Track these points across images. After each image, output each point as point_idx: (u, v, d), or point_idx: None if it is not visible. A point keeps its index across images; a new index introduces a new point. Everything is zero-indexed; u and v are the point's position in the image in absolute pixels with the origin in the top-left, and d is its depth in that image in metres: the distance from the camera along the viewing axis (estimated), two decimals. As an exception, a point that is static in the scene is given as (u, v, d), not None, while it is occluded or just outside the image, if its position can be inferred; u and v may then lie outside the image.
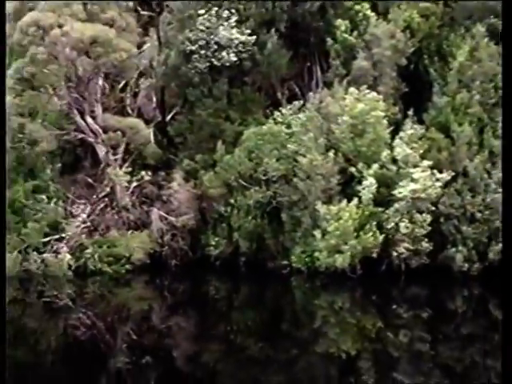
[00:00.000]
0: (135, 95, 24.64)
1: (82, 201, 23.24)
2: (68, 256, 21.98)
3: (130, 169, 22.80)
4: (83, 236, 22.51)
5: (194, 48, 22.50)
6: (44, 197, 22.18)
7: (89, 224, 22.87)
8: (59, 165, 23.14)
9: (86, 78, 20.90)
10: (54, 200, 22.28)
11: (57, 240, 22.41)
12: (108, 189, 23.29)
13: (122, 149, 22.96)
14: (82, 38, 19.53)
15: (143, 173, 22.74)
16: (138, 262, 22.49)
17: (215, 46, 22.41)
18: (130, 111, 24.18)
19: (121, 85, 24.21)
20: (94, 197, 23.32)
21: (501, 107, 20.94)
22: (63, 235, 22.48)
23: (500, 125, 20.82)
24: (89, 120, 21.78)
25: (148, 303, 22.05)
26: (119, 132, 20.92)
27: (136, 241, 22.41)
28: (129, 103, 24.31)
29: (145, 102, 24.50)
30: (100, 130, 22.06)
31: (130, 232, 22.85)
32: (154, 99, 24.39)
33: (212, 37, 22.35)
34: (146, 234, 22.61)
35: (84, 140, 23.23)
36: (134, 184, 23.19)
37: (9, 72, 20.38)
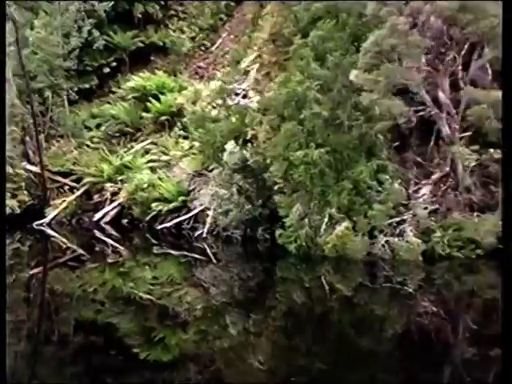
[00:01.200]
0: (465, 67, 22.94)
1: (423, 181, 21.97)
2: (415, 239, 20.74)
3: (476, 147, 21.22)
4: (427, 219, 21.18)
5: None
6: (388, 177, 21.05)
7: (430, 206, 21.52)
8: (397, 143, 21.97)
9: (445, 48, 19.54)
10: (398, 181, 21.13)
11: (398, 222, 21.25)
12: (447, 168, 21.87)
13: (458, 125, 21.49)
14: (449, 5, 18.13)
15: (491, 150, 21.10)
16: (488, 247, 20.90)
17: None
18: (461, 84, 22.53)
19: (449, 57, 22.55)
20: (434, 177, 21.97)
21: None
22: (405, 217, 21.28)
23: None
24: (440, 94, 20.37)
25: (498, 291, 20.56)
26: (485, 106, 19.31)
27: (486, 224, 20.83)
28: (460, 76, 22.63)
29: (479, 74, 22.77)
30: (451, 105, 20.62)
31: (475, 214, 21.31)
32: (490, 71, 22.69)
33: None
34: (496, 216, 20.95)
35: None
36: (473, 163, 21.63)
37: (364, 45, 19.32)
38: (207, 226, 25.20)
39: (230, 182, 24.53)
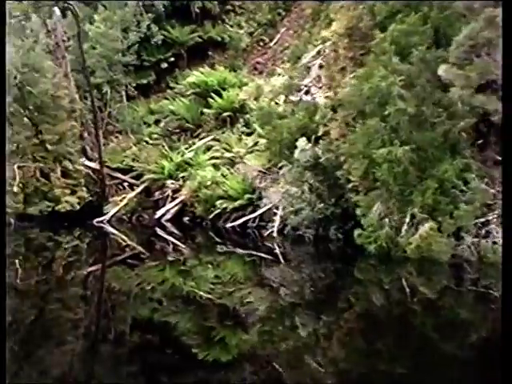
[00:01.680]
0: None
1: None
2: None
3: None
4: (515, 219, 20.41)
5: None
6: (474, 176, 20.34)
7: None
8: (480, 141, 21.24)
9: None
10: (485, 180, 20.42)
11: (483, 223, 20.54)
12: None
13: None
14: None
15: None
16: None
17: None
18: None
19: None
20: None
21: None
22: (490, 217, 20.56)
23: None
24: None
25: None
26: None
27: None
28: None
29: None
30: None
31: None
32: None
33: None
34: None
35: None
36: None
37: (456, 39, 18.65)
38: (276, 224, 24.57)
39: (300, 179, 23.89)
